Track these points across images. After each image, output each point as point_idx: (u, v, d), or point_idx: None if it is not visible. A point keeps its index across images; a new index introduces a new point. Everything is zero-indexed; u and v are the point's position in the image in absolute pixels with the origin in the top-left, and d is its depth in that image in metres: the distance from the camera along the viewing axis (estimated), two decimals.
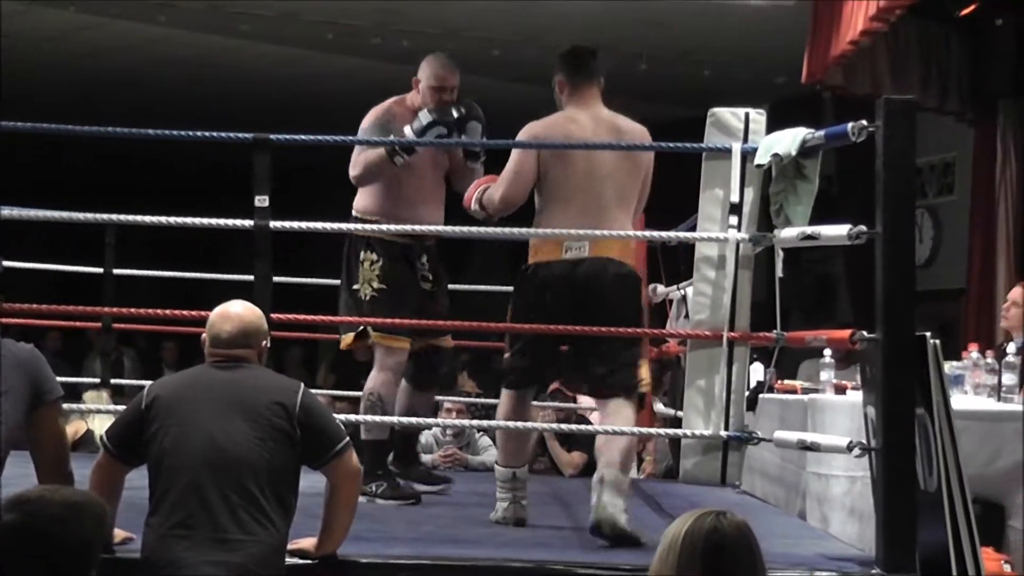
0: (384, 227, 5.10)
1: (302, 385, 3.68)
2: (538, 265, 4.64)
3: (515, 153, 4.74)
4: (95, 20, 10.01)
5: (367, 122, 5.35)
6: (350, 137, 5.12)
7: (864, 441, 4.00)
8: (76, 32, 10.39)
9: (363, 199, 5.32)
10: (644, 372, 4.66)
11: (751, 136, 4.92)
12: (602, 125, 4.74)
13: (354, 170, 5.26)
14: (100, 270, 6.48)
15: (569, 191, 4.64)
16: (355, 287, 5.23)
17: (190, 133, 4.83)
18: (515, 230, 4.81)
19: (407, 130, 5.10)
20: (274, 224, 4.57)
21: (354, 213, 5.34)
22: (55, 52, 10.86)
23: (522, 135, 4.75)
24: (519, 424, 4.69)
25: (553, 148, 4.67)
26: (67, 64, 11.18)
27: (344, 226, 4.97)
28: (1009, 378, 4.84)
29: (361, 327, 5.20)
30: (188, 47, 10.64)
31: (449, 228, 5.19)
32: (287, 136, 4.78)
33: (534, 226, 4.69)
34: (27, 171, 12.58)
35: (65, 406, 3.86)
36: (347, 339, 5.30)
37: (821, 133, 4.48)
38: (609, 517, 4.24)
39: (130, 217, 4.82)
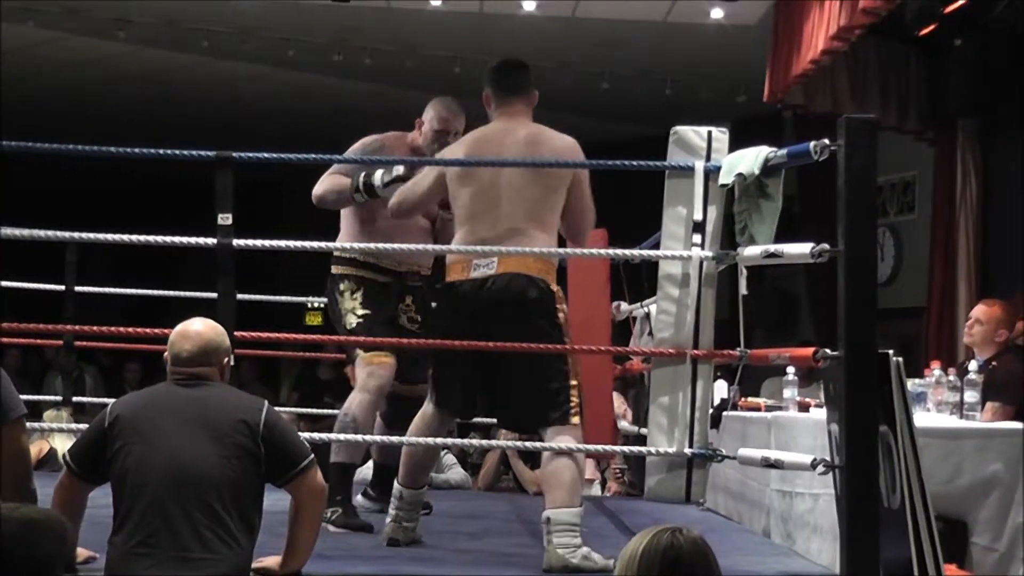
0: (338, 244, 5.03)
1: (266, 403, 3.66)
2: (448, 284, 4.50)
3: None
4: (53, 35, 9.97)
5: (356, 146, 5.22)
6: (313, 155, 5.05)
7: (828, 458, 4.01)
8: (34, 47, 10.33)
9: (348, 235, 5.23)
10: (573, 396, 4.37)
11: (714, 154, 4.95)
12: (515, 139, 4.57)
13: (317, 188, 5.16)
14: (61, 287, 6.44)
15: (475, 208, 4.49)
16: (341, 322, 5.13)
17: (151, 151, 4.80)
18: (434, 247, 4.77)
19: (377, 175, 4.96)
20: (237, 242, 4.56)
21: (336, 253, 5.20)
22: (12, 66, 10.79)
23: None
24: (492, 443, 4.67)
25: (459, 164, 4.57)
26: (24, 79, 11.10)
27: (309, 244, 4.91)
28: (971, 395, 4.88)
29: (355, 355, 5.09)
30: (147, 63, 10.60)
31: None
32: (250, 154, 4.76)
33: (451, 244, 4.56)
34: None
35: (28, 425, 3.82)
36: (349, 370, 5.28)
37: (783, 152, 4.50)
38: (560, 559, 4.16)
39: (91, 235, 4.78)
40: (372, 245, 4.99)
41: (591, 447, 4.51)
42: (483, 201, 4.49)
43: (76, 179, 13.42)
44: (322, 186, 5.15)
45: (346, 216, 5.25)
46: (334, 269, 5.18)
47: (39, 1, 9.32)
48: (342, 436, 4.84)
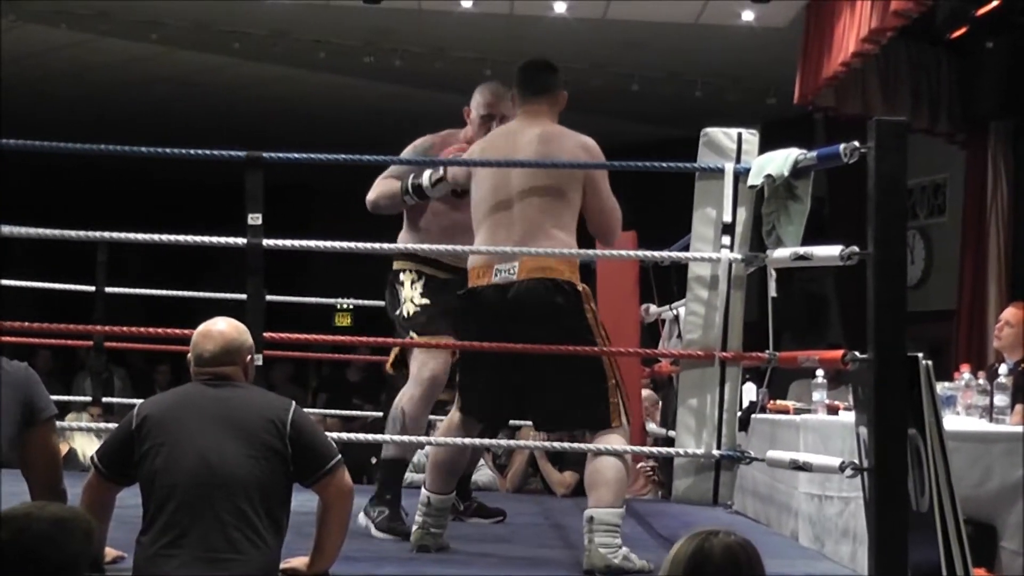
0: (355, 245, 4.89)
1: (293, 403, 3.67)
2: (471, 291, 4.43)
3: None
4: (85, 37, 10.04)
5: (407, 150, 5.11)
6: (343, 156, 5.00)
7: (856, 461, 4.00)
8: (66, 49, 10.40)
9: (407, 235, 5.11)
10: (613, 396, 4.32)
11: (743, 156, 4.94)
12: (528, 139, 4.52)
13: (370, 194, 5.06)
14: (92, 288, 6.47)
15: (488, 210, 4.46)
16: (398, 312, 5.01)
17: (182, 151, 4.82)
18: (460, 248, 4.66)
19: (425, 175, 4.88)
20: (267, 242, 4.57)
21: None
22: (44, 68, 10.87)
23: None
24: (513, 443, 4.65)
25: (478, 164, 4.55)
26: (56, 81, 11.19)
27: (338, 244, 4.88)
28: (1001, 399, 4.84)
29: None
30: (179, 65, 10.66)
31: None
32: (280, 155, 4.76)
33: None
34: (15, 188, 12.56)
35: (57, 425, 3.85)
36: (390, 358, 5.10)
37: (813, 154, 4.49)
38: (602, 559, 4.14)
39: (122, 235, 4.80)
40: (418, 247, 4.95)
41: (621, 448, 4.49)
42: (498, 202, 4.45)
43: (107, 181, 13.50)
44: (374, 192, 5.05)
45: (405, 216, 5.15)
46: (396, 264, 5.08)
47: (71, 3, 9.38)
48: (374, 436, 4.81)
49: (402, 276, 5.02)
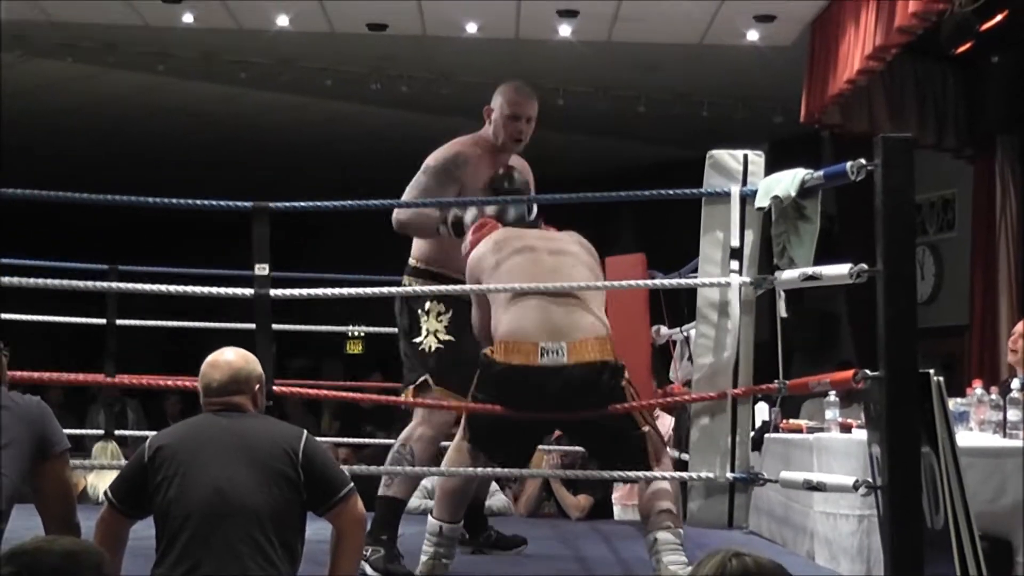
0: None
1: (305, 432, 3.67)
2: (515, 369, 4.33)
3: None
4: (92, 70, 10.07)
5: (433, 162, 4.95)
6: (350, 202, 4.77)
7: (870, 480, 3.99)
8: (73, 81, 10.44)
9: (424, 247, 4.97)
10: (648, 442, 4.46)
11: (750, 178, 4.93)
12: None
13: (401, 215, 4.88)
14: (103, 321, 6.48)
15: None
16: (416, 340, 4.84)
17: (189, 201, 4.71)
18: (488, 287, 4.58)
19: (469, 214, 4.73)
20: (274, 292, 4.50)
21: (411, 262, 4.99)
22: (53, 102, 10.91)
23: None
24: (535, 472, 4.63)
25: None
26: (66, 114, 11.23)
27: (346, 291, 4.71)
28: (1014, 414, 4.83)
29: (422, 379, 4.81)
30: (186, 95, 10.69)
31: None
32: (286, 204, 4.65)
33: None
34: (24, 223, 12.60)
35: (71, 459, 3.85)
36: (407, 394, 4.88)
37: (820, 173, 4.48)
38: None
39: (131, 286, 4.75)
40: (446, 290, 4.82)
41: (634, 473, 4.49)
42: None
43: (118, 213, 13.52)
44: (407, 215, 4.88)
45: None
46: (412, 280, 4.92)
47: (78, 36, 9.42)
48: (387, 468, 4.77)
49: (428, 304, 4.83)
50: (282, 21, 8.82)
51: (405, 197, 4.95)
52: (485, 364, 4.37)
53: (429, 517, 4.53)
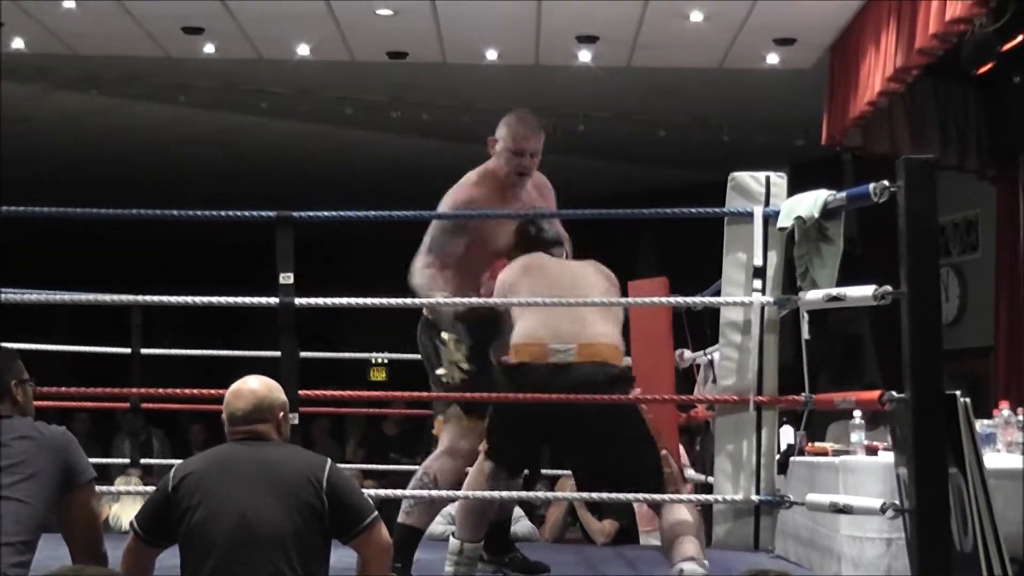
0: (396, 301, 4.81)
1: (328, 460, 3.67)
2: (524, 366, 4.49)
3: None
4: (115, 102, 10.13)
5: (446, 207, 4.97)
6: (372, 212, 4.95)
7: (897, 502, 3.96)
8: (96, 114, 10.50)
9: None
10: (665, 467, 4.50)
11: (772, 199, 4.93)
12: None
13: (419, 279, 4.94)
14: (127, 350, 6.50)
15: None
16: (439, 372, 4.83)
17: (213, 213, 4.84)
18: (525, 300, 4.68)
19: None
20: (298, 301, 4.57)
21: (425, 312, 4.98)
22: (76, 134, 10.98)
23: None
24: (554, 495, 4.64)
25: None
26: (87, 145, 11.29)
27: (369, 301, 4.88)
28: None
29: (448, 411, 4.83)
30: (207, 126, 10.74)
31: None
32: (310, 213, 4.78)
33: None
34: (48, 254, 12.66)
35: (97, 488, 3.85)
36: (439, 423, 4.90)
37: (843, 195, 4.48)
38: None
39: (155, 298, 4.81)
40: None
41: (659, 497, 4.48)
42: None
43: (138, 241, 13.57)
44: (424, 281, 4.92)
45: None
46: (425, 328, 4.93)
47: (100, 68, 9.48)
48: (409, 492, 4.78)
49: (445, 336, 4.82)
50: (303, 50, 8.86)
51: (421, 254, 4.99)
52: (500, 371, 4.53)
53: (451, 537, 4.56)
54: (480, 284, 4.99)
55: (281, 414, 3.75)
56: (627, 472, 4.46)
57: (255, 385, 3.74)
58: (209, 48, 8.86)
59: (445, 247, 4.93)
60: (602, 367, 4.47)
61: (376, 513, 3.66)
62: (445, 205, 5.00)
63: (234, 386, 3.75)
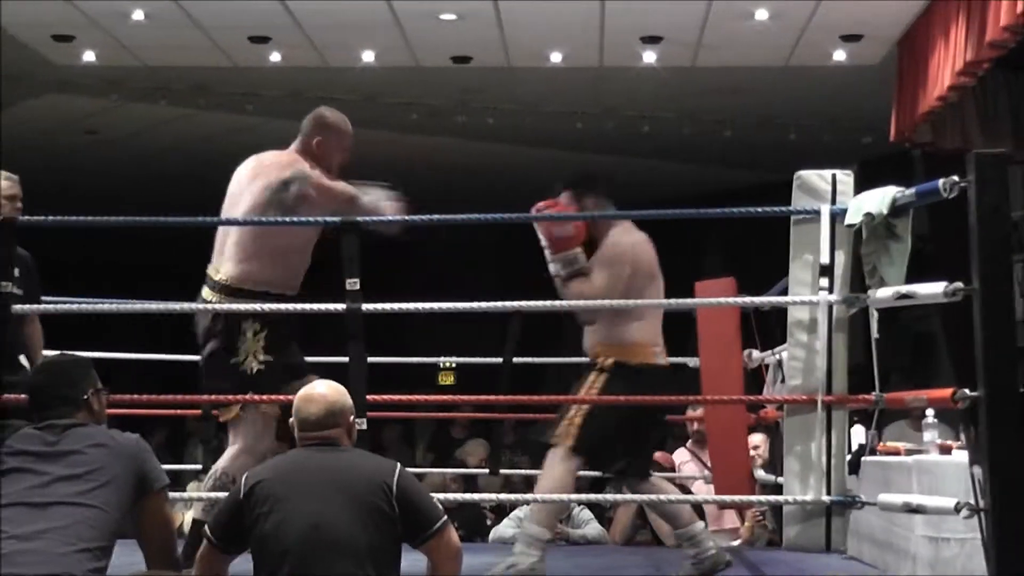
0: (440, 305, 4.83)
1: (398, 464, 3.68)
2: (648, 367, 4.84)
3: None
4: (184, 112, 10.24)
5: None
6: (436, 216, 5.03)
7: (972, 502, 3.92)
8: (164, 124, 10.61)
9: (263, 271, 4.81)
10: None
11: (839, 197, 4.90)
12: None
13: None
14: (198, 357, 6.54)
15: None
16: (235, 360, 4.72)
17: (280, 219, 4.86)
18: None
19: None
20: (366, 306, 4.59)
21: (239, 285, 4.80)
22: (148, 145, 11.11)
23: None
24: (628, 496, 4.70)
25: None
26: (158, 155, 11.41)
27: (437, 305, 4.90)
28: None
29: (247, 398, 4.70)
30: (275, 133, 10.76)
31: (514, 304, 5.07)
32: (375, 218, 4.81)
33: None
34: (126, 262, 12.82)
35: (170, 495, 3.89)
36: (232, 412, 4.77)
37: (911, 191, 4.43)
38: None
39: (225, 306, 4.82)
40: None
41: (728, 498, 4.46)
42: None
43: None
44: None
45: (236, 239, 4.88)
46: (222, 297, 4.78)
47: (169, 79, 9.59)
48: (482, 497, 4.81)
49: (244, 325, 4.72)
50: (368, 57, 8.91)
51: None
52: (614, 366, 4.79)
53: (529, 525, 4.69)
54: (295, 269, 4.90)
55: (351, 418, 3.77)
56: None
57: (324, 390, 3.76)
58: (275, 57, 8.94)
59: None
60: (673, 369, 4.81)
61: (445, 517, 3.66)
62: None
63: (303, 391, 3.77)
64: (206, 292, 4.86)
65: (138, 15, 8.16)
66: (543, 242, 4.91)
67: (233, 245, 4.86)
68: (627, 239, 4.91)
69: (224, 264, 4.86)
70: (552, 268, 4.91)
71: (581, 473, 5.00)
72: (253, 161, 5.04)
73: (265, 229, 4.78)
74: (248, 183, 4.94)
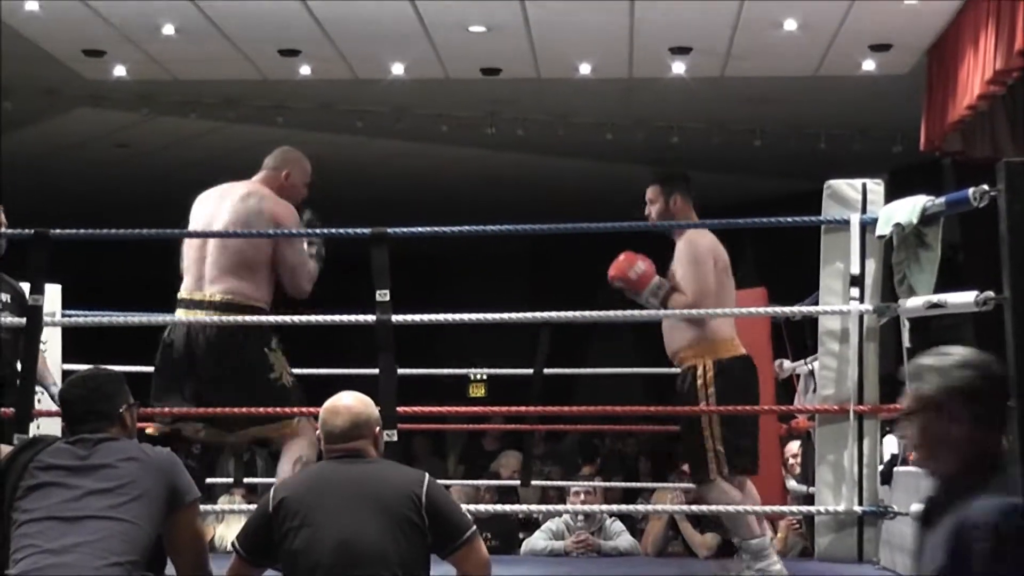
0: (468, 316, 4.85)
1: (426, 475, 3.68)
2: (745, 357, 5.05)
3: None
4: (214, 125, 10.29)
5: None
6: (467, 227, 5.01)
7: None
8: (195, 138, 10.66)
9: (257, 289, 4.96)
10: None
11: (869, 206, 4.88)
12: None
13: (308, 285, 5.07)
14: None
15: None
16: (272, 376, 4.86)
17: (309, 230, 4.90)
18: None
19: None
20: (396, 318, 4.60)
21: (249, 303, 4.92)
22: (179, 158, 11.16)
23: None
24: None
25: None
26: (188, 168, 11.45)
27: (467, 316, 4.91)
28: None
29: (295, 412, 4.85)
30: (305, 146, 10.76)
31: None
32: (404, 229, 4.82)
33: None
34: (155, 276, 12.85)
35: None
36: (291, 426, 4.90)
37: (941, 200, 4.42)
38: None
39: (253, 318, 4.84)
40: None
41: (759, 508, 4.44)
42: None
43: None
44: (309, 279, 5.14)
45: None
46: (247, 316, 4.87)
47: (199, 93, 9.64)
48: (512, 507, 4.81)
49: (274, 343, 4.89)
50: (397, 69, 8.93)
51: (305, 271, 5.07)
52: (715, 366, 4.94)
53: (745, 543, 4.86)
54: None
55: (377, 429, 3.77)
56: None
57: (350, 401, 3.76)
58: (305, 70, 8.97)
59: None
60: None
61: (474, 527, 3.66)
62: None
63: (328, 403, 3.77)
64: (199, 315, 4.91)
65: (168, 29, 8.21)
66: (622, 286, 5.01)
67: (230, 264, 4.99)
68: (704, 237, 5.06)
69: (218, 284, 4.96)
70: (643, 301, 5.04)
71: (612, 485, 5.00)
72: (218, 192, 5.43)
73: (255, 245, 4.96)
74: (227, 206, 5.30)
